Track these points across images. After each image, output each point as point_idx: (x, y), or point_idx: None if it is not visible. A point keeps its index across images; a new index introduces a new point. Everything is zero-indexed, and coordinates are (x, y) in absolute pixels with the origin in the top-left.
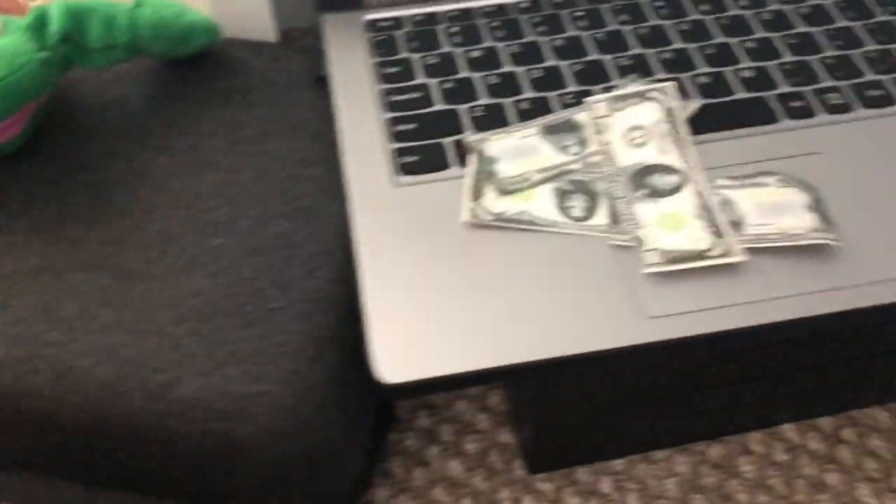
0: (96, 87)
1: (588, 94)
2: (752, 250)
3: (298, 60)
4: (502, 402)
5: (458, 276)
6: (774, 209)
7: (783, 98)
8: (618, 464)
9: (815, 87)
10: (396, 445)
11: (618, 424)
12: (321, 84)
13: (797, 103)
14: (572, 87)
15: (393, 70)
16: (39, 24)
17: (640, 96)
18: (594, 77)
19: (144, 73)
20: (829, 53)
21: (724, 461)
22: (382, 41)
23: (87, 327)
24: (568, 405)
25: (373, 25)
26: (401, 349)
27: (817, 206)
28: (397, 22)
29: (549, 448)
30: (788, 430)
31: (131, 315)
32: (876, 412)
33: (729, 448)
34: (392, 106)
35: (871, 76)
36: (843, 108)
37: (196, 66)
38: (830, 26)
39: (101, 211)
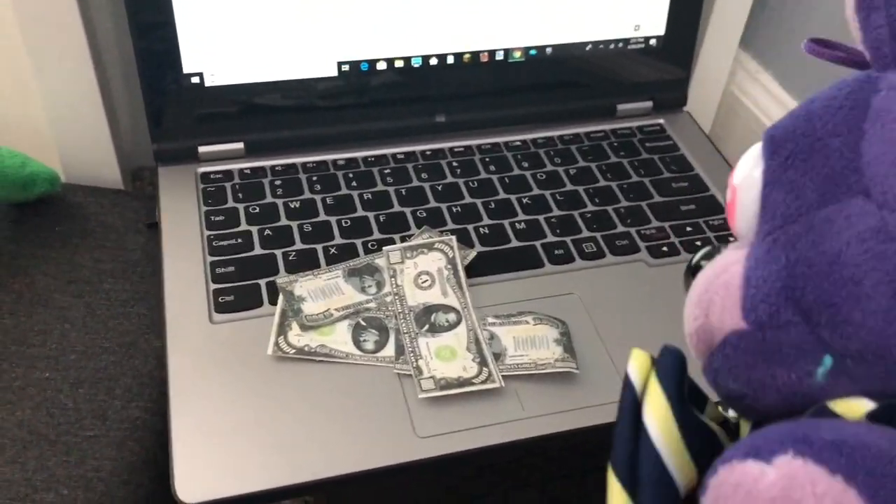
0: None
1: (389, 241)
2: (509, 377)
3: (135, 206)
4: None
5: (259, 404)
6: (529, 342)
7: (548, 246)
8: None
9: (575, 237)
10: None
11: None
12: (154, 229)
13: (559, 251)
14: (376, 235)
15: (219, 218)
16: None
17: (429, 246)
18: (395, 226)
19: None
20: (589, 209)
21: None
22: (212, 192)
23: None
24: None
25: (205, 177)
26: (200, 471)
27: (564, 339)
28: (227, 174)
29: None
30: None
31: None
32: None
33: None
34: (215, 251)
35: (621, 228)
36: (596, 255)
37: (39, 211)
38: (591, 185)
39: None
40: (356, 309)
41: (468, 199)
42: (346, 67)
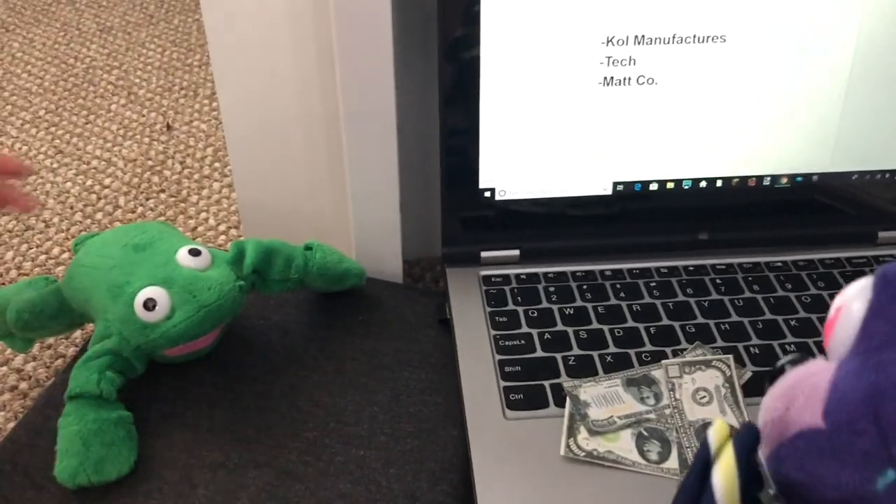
0: (263, 310)
1: (660, 353)
2: None
3: (423, 301)
4: None
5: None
6: None
7: None
8: None
9: None
10: None
11: None
12: (443, 324)
13: None
14: (648, 347)
15: (502, 319)
16: (238, 258)
17: (706, 364)
18: (666, 340)
19: (302, 302)
20: None
21: None
22: (494, 294)
23: None
24: None
25: (487, 280)
26: None
27: None
28: (506, 278)
29: None
30: None
31: None
32: None
33: None
34: (501, 350)
35: None
36: None
37: (343, 300)
38: None
39: (268, 417)
40: (637, 419)
41: (735, 318)
42: (620, 187)
